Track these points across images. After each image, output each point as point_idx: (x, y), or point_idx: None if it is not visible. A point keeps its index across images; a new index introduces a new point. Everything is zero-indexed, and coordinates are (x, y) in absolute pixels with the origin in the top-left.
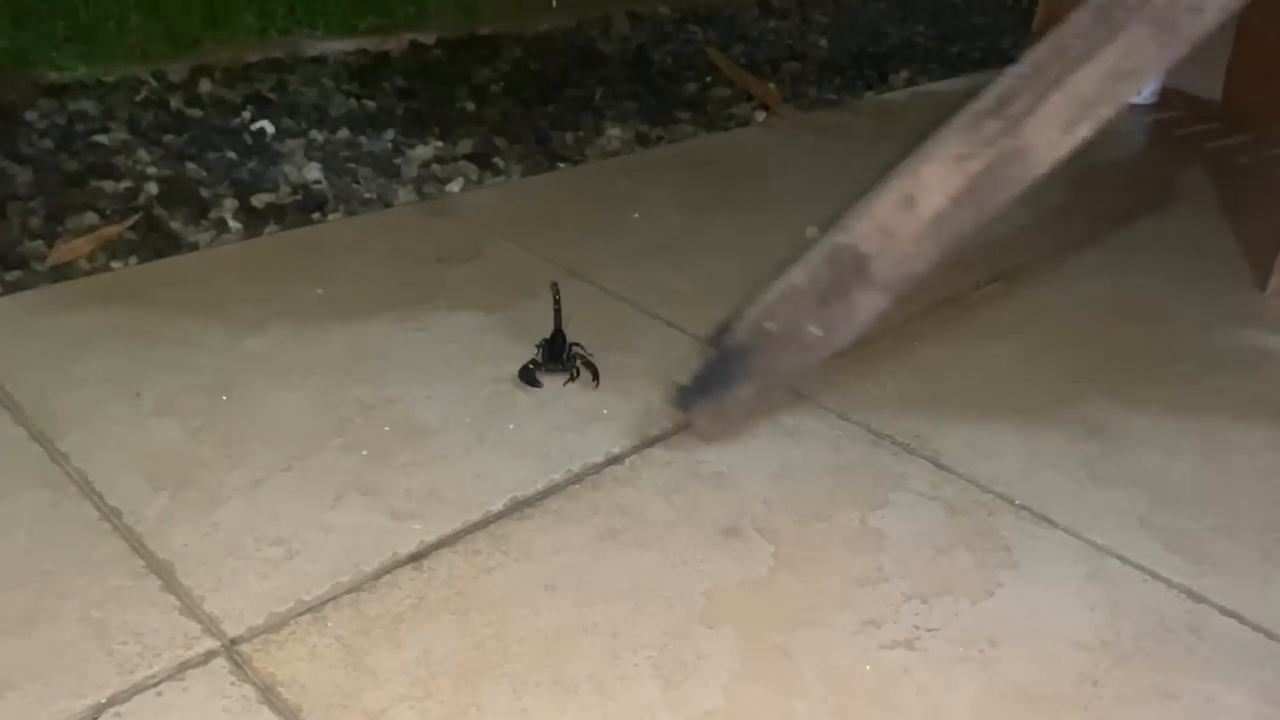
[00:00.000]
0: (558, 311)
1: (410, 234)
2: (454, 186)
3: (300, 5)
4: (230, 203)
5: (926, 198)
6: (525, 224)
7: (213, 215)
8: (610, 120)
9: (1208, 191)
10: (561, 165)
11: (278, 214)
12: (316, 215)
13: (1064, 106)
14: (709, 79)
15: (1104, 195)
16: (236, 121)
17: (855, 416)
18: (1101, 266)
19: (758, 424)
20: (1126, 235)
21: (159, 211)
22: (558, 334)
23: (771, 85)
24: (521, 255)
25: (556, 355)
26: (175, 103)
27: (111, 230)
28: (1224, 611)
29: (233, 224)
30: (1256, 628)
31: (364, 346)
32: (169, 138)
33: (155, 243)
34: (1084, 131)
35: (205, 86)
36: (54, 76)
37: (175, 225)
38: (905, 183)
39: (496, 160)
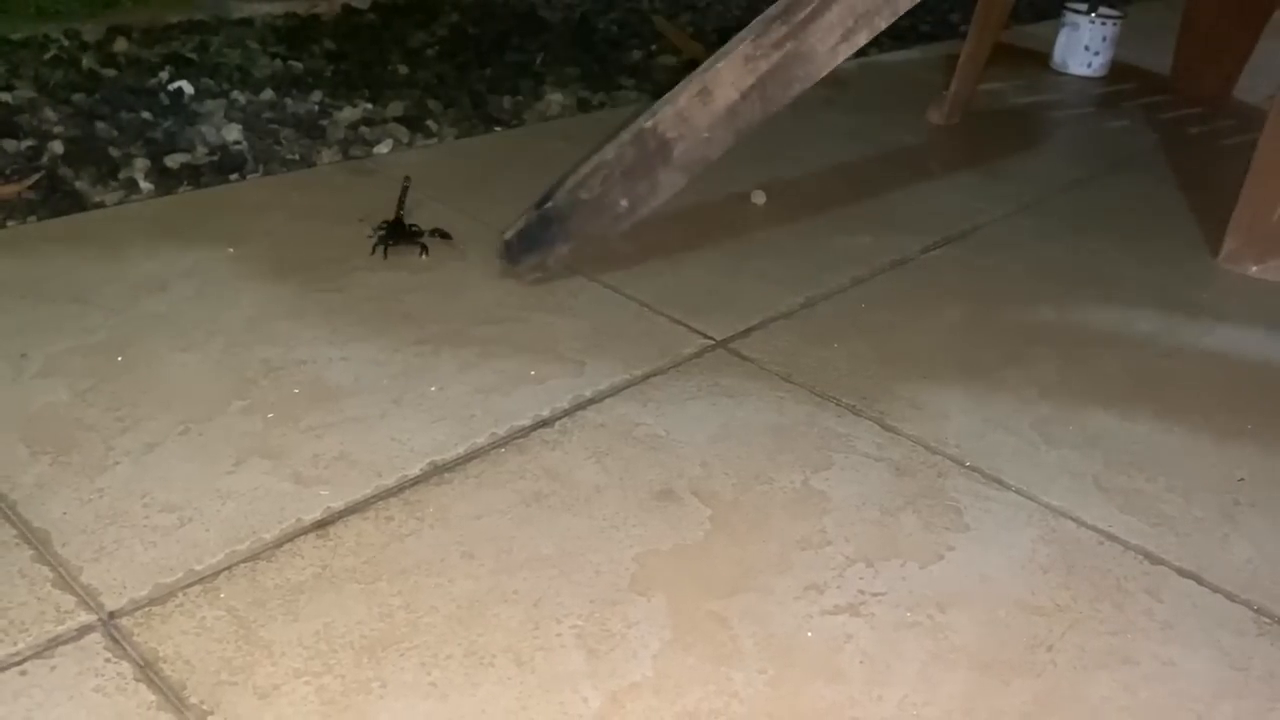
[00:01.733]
0: (401, 202)
1: (332, 194)
2: (382, 149)
3: None
4: (142, 163)
5: (720, 91)
6: (456, 185)
7: (122, 175)
8: (551, 85)
9: (1158, 160)
10: (498, 129)
11: (192, 175)
12: (234, 176)
13: (844, 16)
14: (654, 47)
15: (1054, 162)
16: (153, 82)
17: (799, 378)
18: (1052, 231)
19: (694, 386)
20: (1077, 201)
21: (64, 171)
22: (398, 221)
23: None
24: (450, 215)
25: (396, 232)
26: (88, 62)
27: (9, 189)
28: (1182, 573)
29: (144, 184)
30: (1215, 589)
31: (274, 307)
32: (79, 97)
33: (58, 203)
34: (861, 39)
35: (121, 46)
36: None
37: (81, 185)
38: (704, 77)
39: (429, 123)
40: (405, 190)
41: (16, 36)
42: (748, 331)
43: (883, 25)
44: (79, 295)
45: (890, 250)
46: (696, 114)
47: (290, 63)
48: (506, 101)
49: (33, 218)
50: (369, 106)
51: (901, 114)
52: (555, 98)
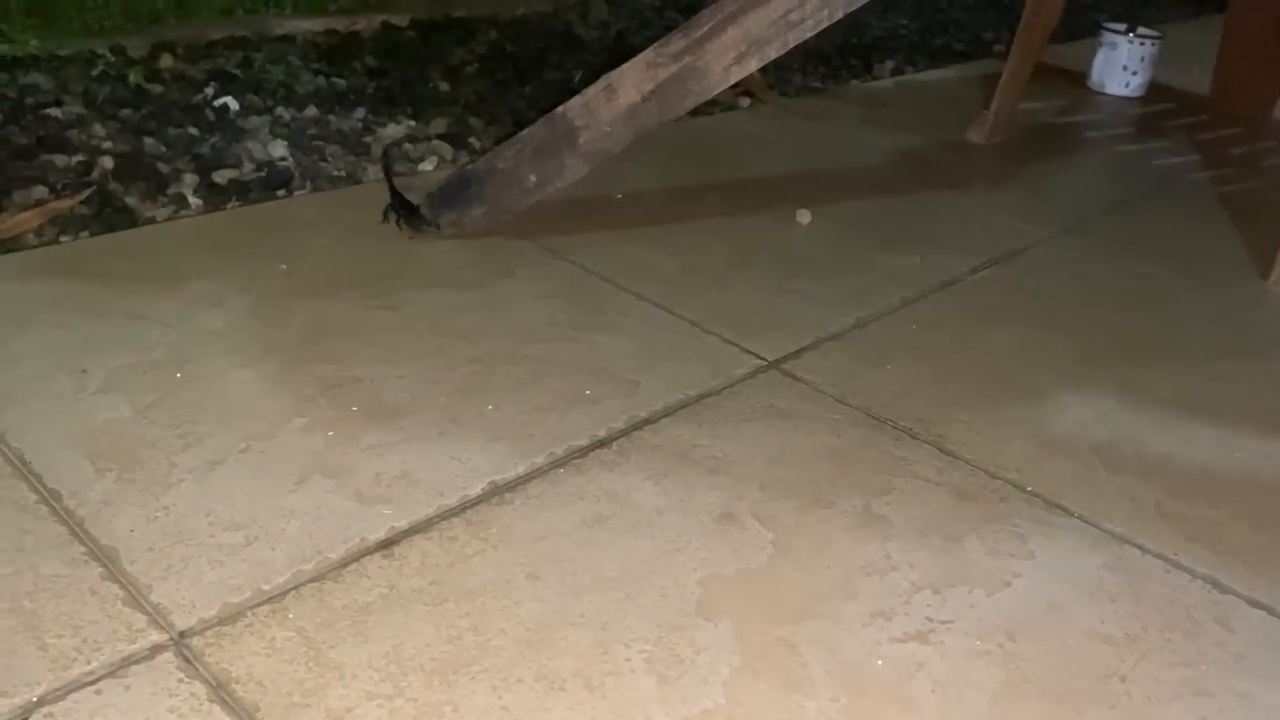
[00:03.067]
0: (390, 179)
1: (379, 210)
2: (427, 165)
3: None
4: (190, 178)
5: (624, 91)
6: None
7: (171, 191)
8: None
9: (1201, 181)
10: None
11: (240, 190)
12: (281, 192)
13: (738, 39)
14: None
15: (1096, 182)
16: (199, 98)
17: (854, 400)
18: (1098, 252)
19: (748, 407)
20: (1122, 222)
21: (114, 186)
22: (399, 198)
23: (756, 72)
24: (498, 233)
25: (412, 209)
26: (134, 78)
27: (62, 204)
28: (1252, 603)
29: (193, 200)
30: None
31: (329, 324)
32: (126, 112)
33: (109, 218)
34: (752, 65)
35: (167, 62)
36: (4, 49)
37: (131, 200)
38: (611, 76)
39: (471, 140)
40: (388, 165)
41: (65, 52)
42: (799, 352)
43: (773, 54)
44: (136, 311)
45: (938, 270)
46: (601, 108)
47: (332, 79)
48: None
49: (85, 233)
50: (412, 123)
51: (941, 132)
52: None
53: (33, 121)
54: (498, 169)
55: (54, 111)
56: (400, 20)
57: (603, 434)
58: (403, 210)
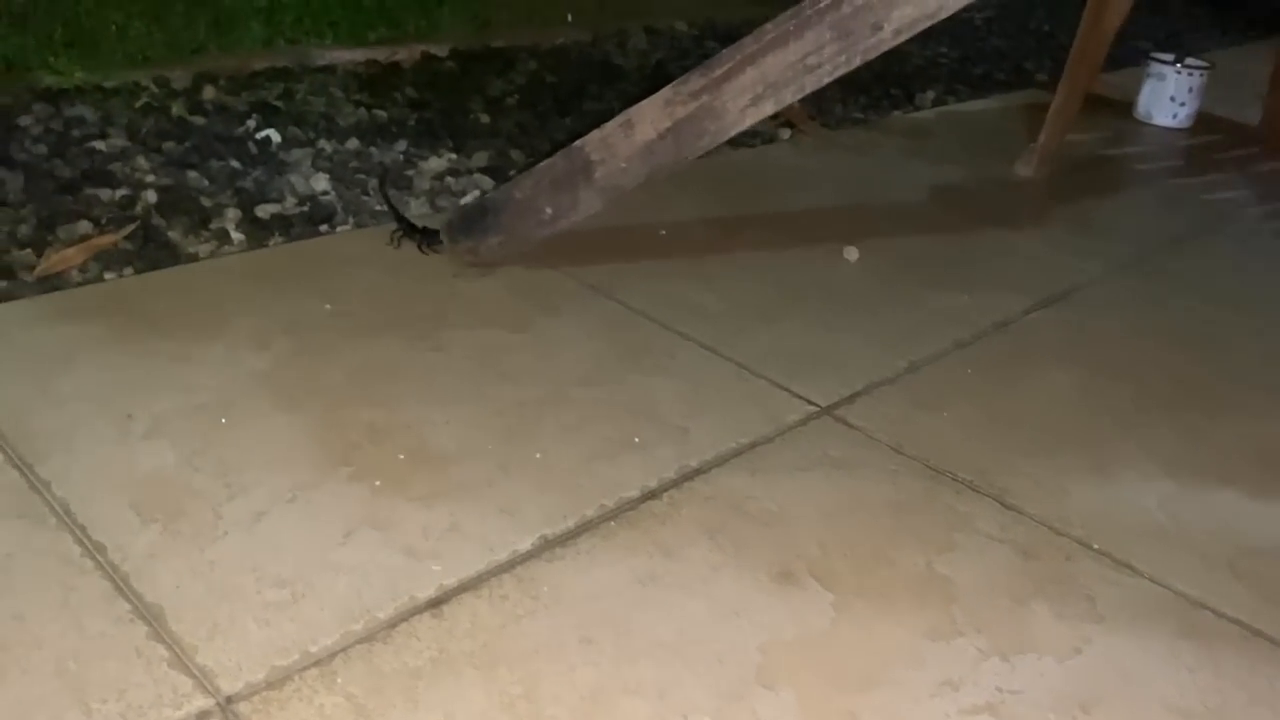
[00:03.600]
0: (387, 200)
1: (421, 246)
2: (469, 199)
3: (309, 15)
4: (233, 213)
5: (641, 127)
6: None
7: (214, 225)
8: None
9: (1257, 216)
10: None
11: (283, 225)
12: (324, 227)
13: (755, 82)
14: None
15: (1149, 217)
16: (241, 130)
17: (911, 449)
18: (1156, 292)
19: (802, 456)
20: (1178, 259)
21: (157, 221)
22: (404, 221)
23: (796, 103)
24: (541, 269)
25: (420, 229)
26: (177, 109)
27: (105, 239)
28: None
29: (235, 235)
30: None
31: (374, 366)
32: (169, 145)
33: (152, 254)
34: (768, 108)
35: (209, 93)
36: (50, 81)
37: (174, 235)
38: (630, 111)
39: (512, 173)
40: (384, 189)
41: (110, 83)
42: (852, 397)
43: (789, 99)
44: (180, 352)
45: (990, 310)
46: (619, 143)
47: (374, 111)
48: None
49: (129, 269)
50: (453, 156)
51: (986, 165)
52: None
53: (78, 154)
54: (515, 199)
55: (98, 144)
56: (440, 50)
57: (653, 484)
58: (409, 231)
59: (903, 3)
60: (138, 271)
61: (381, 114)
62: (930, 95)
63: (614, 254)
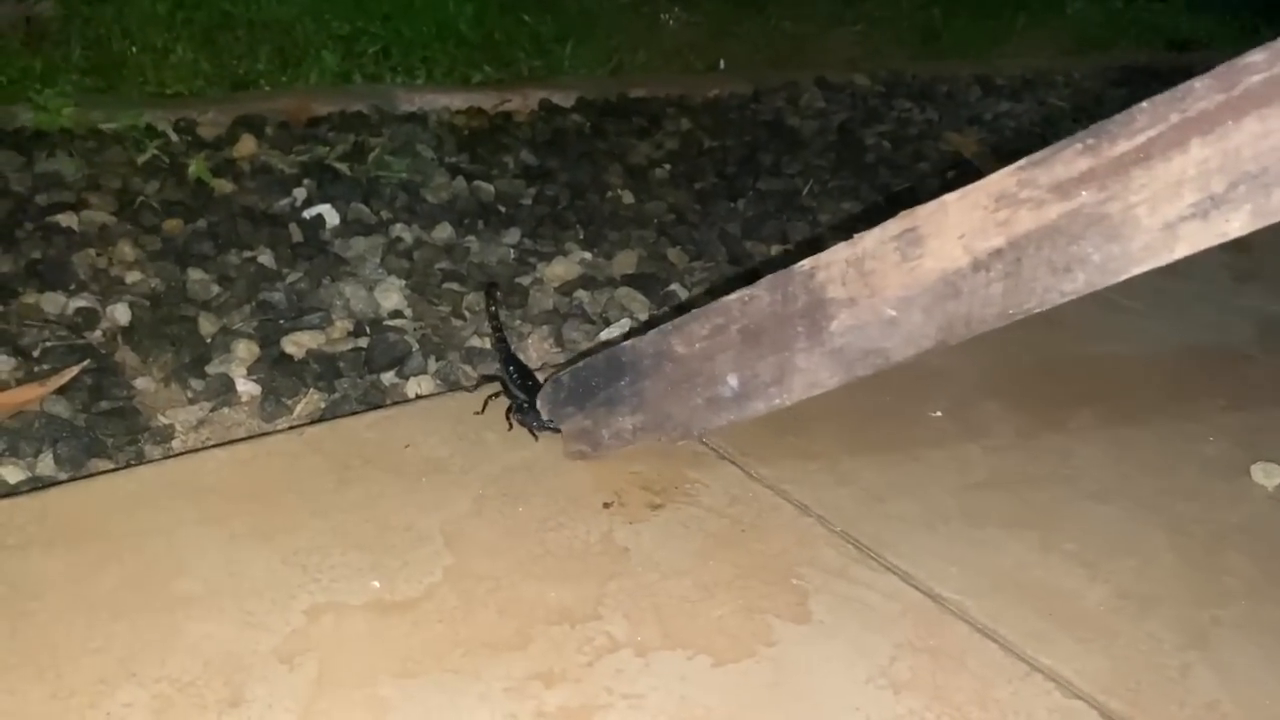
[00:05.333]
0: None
1: (554, 442)
2: (612, 330)
3: (398, 46)
4: (245, 347)
5: (937, 244)
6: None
7: (212, 369)
8: (829, 227)
9: None
10: None
11: (324, 369)
12: (390, 376)
13: (1204, 170)
14: (951, 174)
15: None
16: (284, 203)
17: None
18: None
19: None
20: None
21: (120, 356)
22: (515, 384)
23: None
24: (752, 488)
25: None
26: (195, 168)
27: (25, 394)
28: None
29: (243, 387)
30: None
31: None
32: (173, 224)
33: (100, 426)
34: (1235, 226)
35: (247, 146)
36: (29, 120)
37: (142, 384)
38: (916, 214)
39: (674, 287)
40: (494, 315)
41: (110, 126)
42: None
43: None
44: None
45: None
46: (887, 270)
47: (475, 182)
48: (774, 250)
49: (45, 456)
50: (586, 255)
51: None
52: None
53: (32, 235)
54: (675, 353)
55: (68, 219)
56: (564, 99)
57: None
58: (518, 404)
59: None
60: (58, 466)
61: (486, 187)
62: None
63: (871, 467)
